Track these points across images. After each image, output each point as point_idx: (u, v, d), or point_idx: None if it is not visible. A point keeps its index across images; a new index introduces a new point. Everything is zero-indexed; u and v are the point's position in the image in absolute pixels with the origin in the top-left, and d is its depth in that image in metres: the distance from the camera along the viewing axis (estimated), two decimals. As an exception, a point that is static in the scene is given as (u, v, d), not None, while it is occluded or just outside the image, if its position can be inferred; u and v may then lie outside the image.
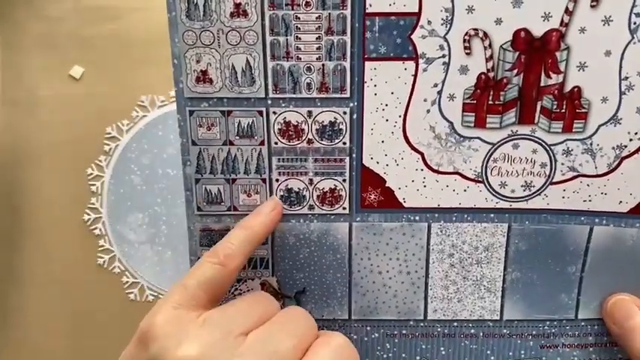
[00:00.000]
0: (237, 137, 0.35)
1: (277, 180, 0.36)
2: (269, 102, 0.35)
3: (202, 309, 0.32)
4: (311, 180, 0.36)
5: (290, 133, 0.35)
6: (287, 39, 0.33)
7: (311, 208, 0.36)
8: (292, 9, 0.33)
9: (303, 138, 0.35)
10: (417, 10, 0.32)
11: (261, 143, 0.35)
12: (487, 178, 0.35)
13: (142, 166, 0.59)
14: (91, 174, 0.60)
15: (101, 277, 0.60)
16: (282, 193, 0.36)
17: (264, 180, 0.36)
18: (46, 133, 0.59)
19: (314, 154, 0.36)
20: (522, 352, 0.39)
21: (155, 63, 0.59)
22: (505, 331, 0.38)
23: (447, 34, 0.33)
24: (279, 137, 0.35)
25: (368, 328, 0.38)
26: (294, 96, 0.34)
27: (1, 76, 0.59)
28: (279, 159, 0.36)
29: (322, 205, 0.36)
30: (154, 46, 0.59)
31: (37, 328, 0.61)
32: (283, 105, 0.35)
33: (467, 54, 0.33)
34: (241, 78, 0.34)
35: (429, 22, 0.33)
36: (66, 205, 0.60)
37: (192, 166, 0.36)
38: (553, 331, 0.38)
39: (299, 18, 0.33)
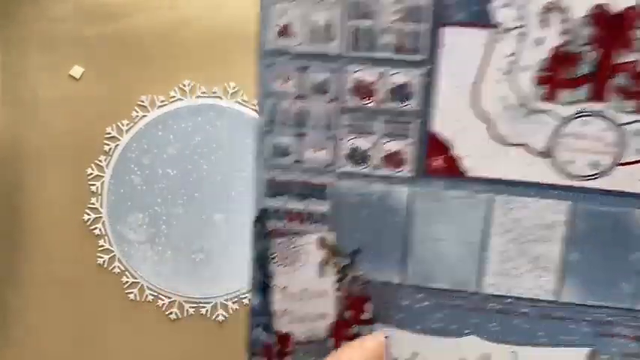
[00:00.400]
0: (311, 92, 0.35)
1: (345, 138, 0.36)
2: (345, 60, 0.35)
3: None
4: (377, 141, 0.36)
5: (362, 92, 0.35)
6: None
7: (375, 168, 0.36)
8: None
9: (375, 98, 0.35)
10: None
11: (333, 100, 0.35)
12: (554, 154, 0.34)
13: (142, 166, 0.59)
14: (91, 174, 0.59)
15: (101, 276, 0.59)
16: (347, 152, 0.36)
17: (331, 137, 0.36)
18: (46, 133, 0.58)
19: (383, 114, 0.35)
20: (576, 337, 0.37)
21: (155, 63, 0.58)
22: (560, 313, 0.37)
23: (525, 4, 0.32)
24: (351, 95, 0.35)
25: (420, 295, 0.37)
26: (369, 55, 0.34)
27: (1, 76, 0.59)
28: (348, 117, 0.36)
29: (386, 167, 0.36)
30: (154, 46, 0.58)
31: (37, 327, 0.59)
32: (358, 63, 0.34)
33: (543, 26, 0.32)
34: (321, 35, 0.34)
35: None
36: (66, 205, 0.58)
37: (264, 117, 0.36)
38: (610, 319, 0.37)
39: None
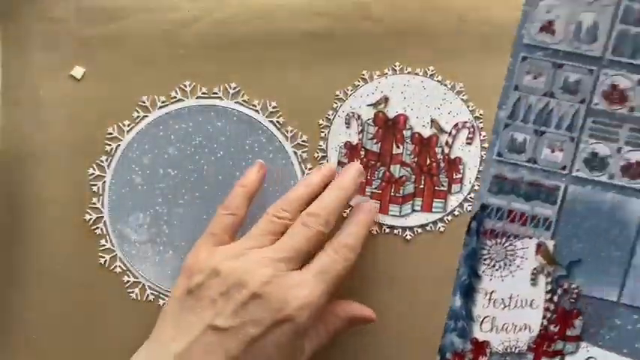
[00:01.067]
0: (560, 91, 0.34)
1: (586, 141, 0.35)
2: (604, 63, 0.33)
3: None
4: (620, 148, 0.34)
5: (614, 97, 0.33)
6: None
7: (611, 177, 0.35)
8: None
9: (626, 104, 0.34)
10: None
11: (582, 102, 0.34)
12: None
13: (143, 166, 0.59)
14: (92, 174, 0.59)
15: (102, 276, 0.58)
16: (586, 156, 0.35)
17: (572, 138, 0.35)
18: (47, 133, 0.57)
19: (632, 122, 0.34)
20: None
21: (156, 63, 0.59)
22: None
23: None
24: (602, 99, 0.34)
25: (635, 316, 0.35)
26: (631, 61, 0.33)
27: (1, 76, 0.58)
28: (594, 120, 0.35)
29: (624, 177, 0.35)
30: (154, 46, 0.58)
31: (38, 327, 0.59)
32: (617, 68, 0.33)
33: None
34: (584, 35, 0.33)
35: None
36: (67, 205, 0.58)
37: (507, 111, 0.35)
38: None
39: None
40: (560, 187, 0.35)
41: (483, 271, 0.36)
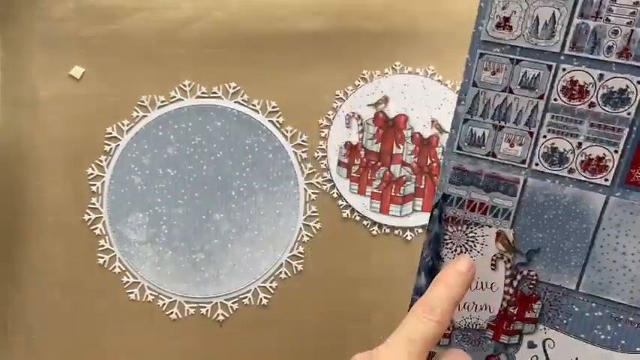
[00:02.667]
0: (518, 87, 0.34)
1: (545, 136, 0.34)
2: (562, 58, 0.33)
3: None
4: (580, 144, 0.34)
5: (573, 92, 0.33)
6: None
7: (571, 171, 0.35)
8: None
9: (586, 100, 0.33)
10: None
11: (540, 97, 0.34)
12: None
13: (143, 166, 0.58)
14: (92, 174, 0.59)
15: (101, 276, 0.58)
16: (545, 150, 0.35)
17: (531, 133, 0.35)
18: (47, 132, 0.57)
19: (592, 118, 0.33)
20: None
21: (155, 63, 0.59)
22: None
23: None
24: (561, 95, 0.34)
25: (593, 304, 0.36)
26: (590, 56, 0.33)
27: (1, 76, 0.58)
28: (553, 116, 0.34)
29: (583, 172, 0.34)
30: (154, 46, 0.58)
31: (38, 328, 0.59)
32: (576, 63, 0.33)
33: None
34: (541, 30, 0.33)
35: None
36: (66, 205, 0.58)
37: (466, 106, 0.35)
38: None
39: None
40: (520, 180, 0.36)
41: (446, 254, 0.38)
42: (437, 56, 0.57)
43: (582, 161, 0.35)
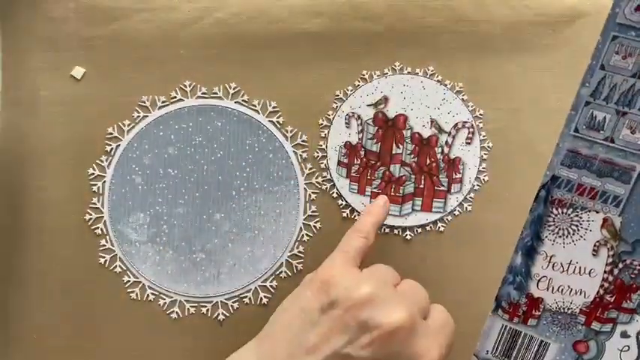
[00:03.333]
0: None
1: None
2: None
3: (358, 267, 0.46)
4: None
5: None
6: None
7: None
8: None
9: None
10: None
11: None
12: None
13: (143, 166, 0.58)
14: (93, 174, 0.59)
15: (102, 276, 0.58)
16: None
17: None
18: (47, 133, 0.57)
19: None
20: None
21: (156, 63, 0.58)
22: None
23: None
24: None
25: None
26: None
27: (2, 77, 0.58)
28: None
29: None
30: (154, 46, 0.58)
31: (38, 327, 0.59)
32: None
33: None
34: None
35: None
36: (67, 205, 0.58)
37: (589, 89, 0.34)
38: None
39: None
40: (637, 168, 0.35)
41: (546, 236, 0.37)
42: (436, 57, 0.57)
43: None
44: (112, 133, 0.58)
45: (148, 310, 0.59)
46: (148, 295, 0.59)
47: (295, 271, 0.59)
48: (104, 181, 0.58)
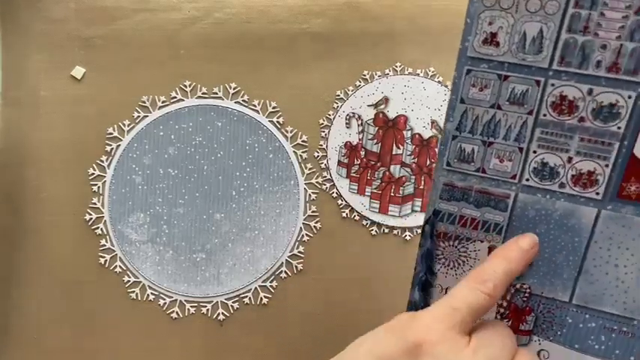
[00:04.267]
0: (507, 103, 0.34)
1: (535, 152, 0.34)
2: (550, 73, 0.33)
3: (467, 334, 0.34)
4: (570, 158, 0.34)
5: (562, 107, 0.33)
6: (590, 13, 0.32)
7: (562, 186, 0.34)
8: None
9: (575, 115, 0.33)
10: None
11: (529, 113, 0.34)
12: None
13: (143, 166, 0.58)
14: (93, 174, 0.59)
15: (102, 276, 0.58)
16: (535, 166, 0.34)
17: (520, 149, 0.34)
18: (48, 133, 0.57)
19: (582, 132, 0.33)
20: None
21: (156, 63, 0.58)
22: None
23: None
24: (550, 110, 0.33)
25: (587, 315, 0.36)
26: (578, 71, 0.32)
27: (2, 77, 0.58)
28: (542, 131, 0.34)
29: (574, 186, 0.34)
30: (154, 46, 0.58)
31: (38, 328, 0.58)
32: (564, 78, 0.33)
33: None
34: (529, 46, 0.33)
35: None
36: (67, 205, 0.58)
37: (454, 123, 0.35)
38: None
39: None
40: (511, 195, 0.36)
41: (439, 269, 0.38)
42: (437, 57, 0.57)
43: (573, 176, 0.35)
44: (112, 133, 0.58)
45: (148, 309, 0.59)
46: (148, 295, 0.59)
47: (295, 271, 0.59)
48: (104, 181, 0.58)
